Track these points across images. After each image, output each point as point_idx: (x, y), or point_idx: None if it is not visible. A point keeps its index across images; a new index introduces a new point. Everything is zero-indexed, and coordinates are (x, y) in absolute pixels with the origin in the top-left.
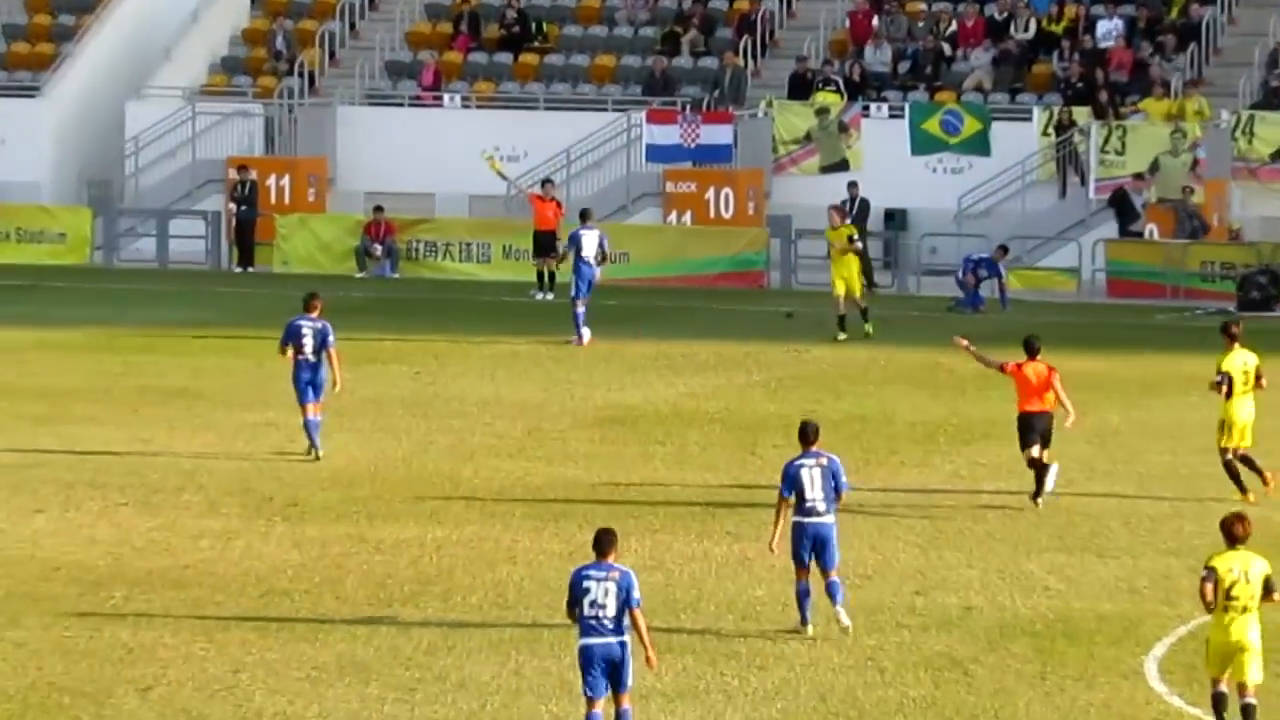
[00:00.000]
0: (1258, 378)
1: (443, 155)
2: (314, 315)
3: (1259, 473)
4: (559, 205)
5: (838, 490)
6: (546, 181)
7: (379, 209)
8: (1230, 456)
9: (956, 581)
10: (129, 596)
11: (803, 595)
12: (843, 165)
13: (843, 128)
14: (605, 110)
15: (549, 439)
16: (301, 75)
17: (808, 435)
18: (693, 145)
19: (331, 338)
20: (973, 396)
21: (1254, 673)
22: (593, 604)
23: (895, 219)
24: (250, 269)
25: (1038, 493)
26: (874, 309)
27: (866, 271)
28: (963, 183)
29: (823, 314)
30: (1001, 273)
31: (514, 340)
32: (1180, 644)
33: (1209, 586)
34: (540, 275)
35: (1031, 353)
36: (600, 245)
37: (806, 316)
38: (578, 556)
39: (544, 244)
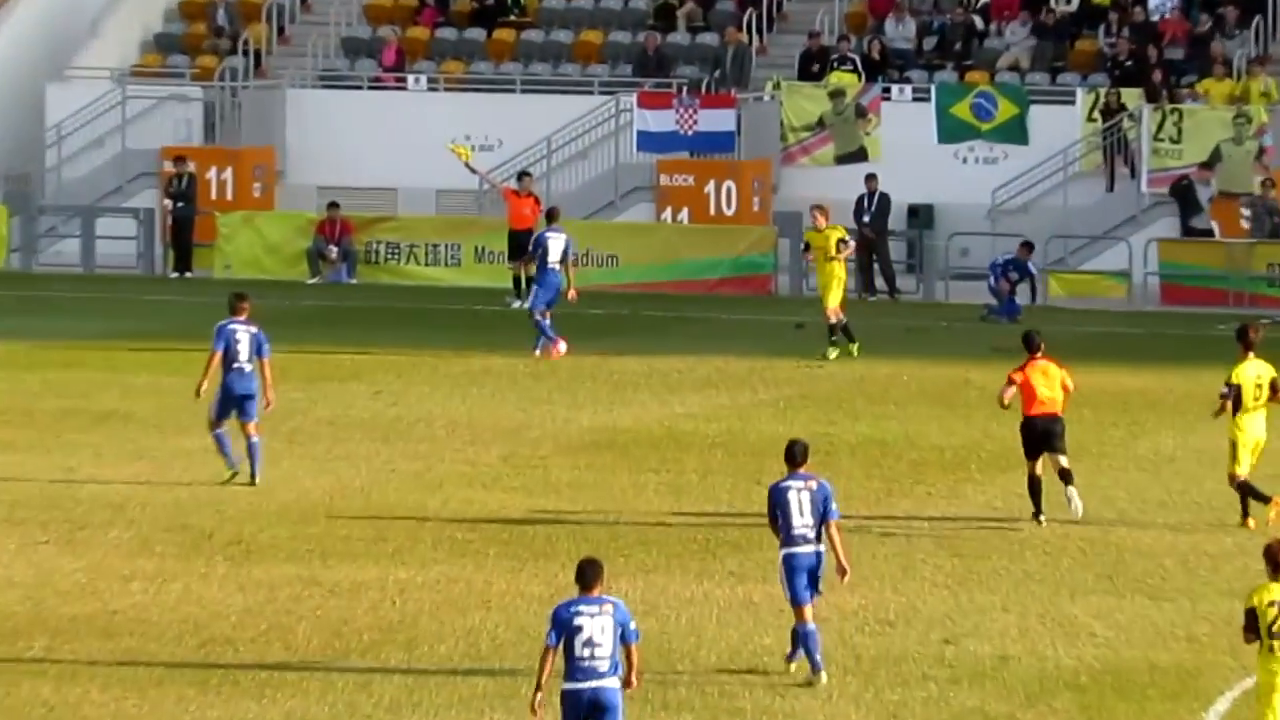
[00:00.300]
0: (1273, 390)
1: (406, 145)
2: (244, 319)
3: (1259, 497)
4: (537, 201)
5: (825, 517)
6: (524, 174)
7: (334, 206)
8: (1240, 481)
9: (990, 628)
10: (51, 647)
11: (807, 639)
12: (860, 155)
13: (860, 112)
14: (591, 93)
15: (528, 466)
16: (246, 54)
17: (795, 455)
18: (690, 133)
19: (267, 347)
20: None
21: None
22: (586, 643)
23: (920, 216)
24: (188, 274)
25: (1037, 511)
26: (896, 319)
27: (888, 277)
28: (997, 175)
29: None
30: (1033, 272)
31: (488, 354)
32: (1244, 699)
33: (1249, 634)
34: (517, 280)
35: (1033, 349)
36: (566, 251)
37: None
38: (560, 600)
39: (520, 245)
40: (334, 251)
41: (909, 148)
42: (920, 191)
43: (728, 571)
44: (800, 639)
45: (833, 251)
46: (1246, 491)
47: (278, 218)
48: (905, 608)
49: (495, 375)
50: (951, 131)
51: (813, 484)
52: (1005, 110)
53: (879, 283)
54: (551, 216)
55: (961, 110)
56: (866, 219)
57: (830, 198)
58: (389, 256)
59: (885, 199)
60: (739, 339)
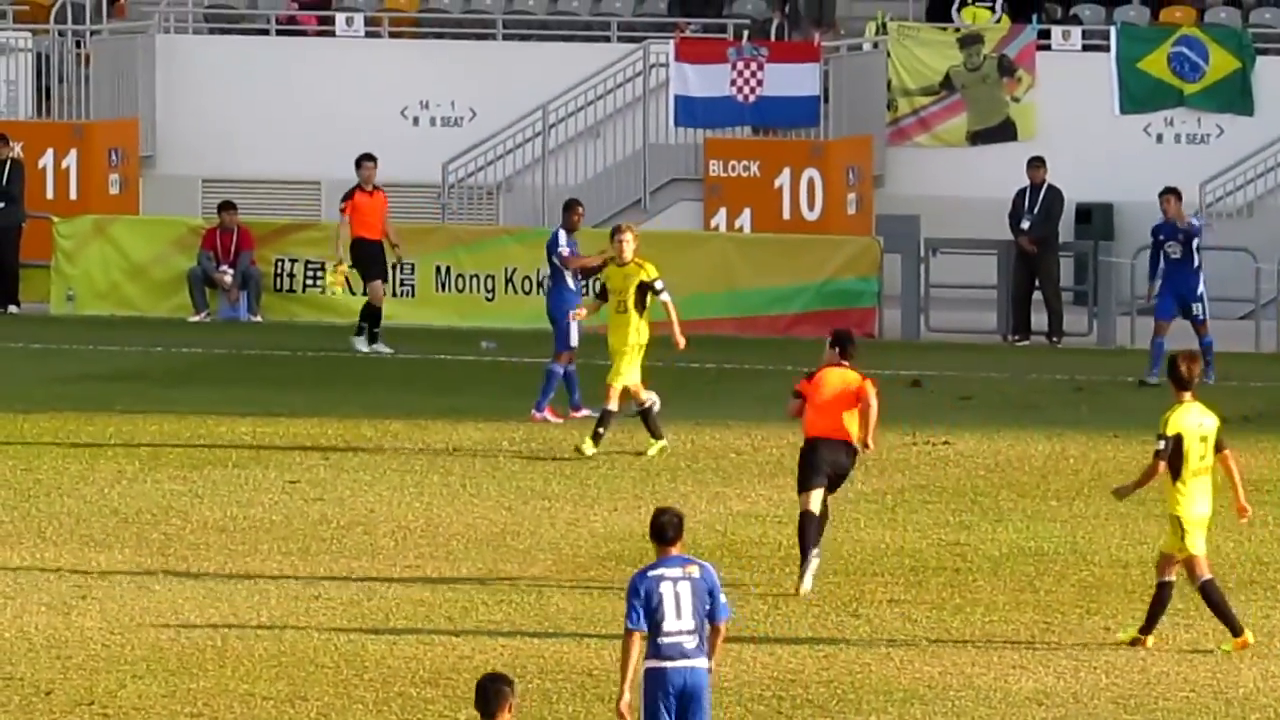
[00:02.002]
0: (1218, 448)
1: (334, 117)
2: None
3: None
4: (385, 196)
5: (713, 618)
6: (366, 158)
7: (227, 208)
8: (1166, 576)
9: None
10: None
11: None
12: (1006, 131)
13: (1006, 68)
14: (607, 40)
15: (515, 591)
16: None
17: (666, 531)
18: (753, 99)
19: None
20: (1225, 517)
21: None
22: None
23: (1093, 221)
24: (11, 309)
25: (804, 566)
26: (1060, 372)
27: (1053, 311)
28: (1208, 159)
29: (971, 381)
30: (1198, 230)
31: (457, 423)
32: None
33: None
34: (373, 315)
35: (843, 352)
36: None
37: (946, 384)
38: None
39: (372, 258)
40: (228, 275)
41: (1077, 120)
42: (1094, 185)
43: None
44: None
45: (630, 300)
46: (1210, 599)
47: (144, 225)
48: None
49: (467, 457)
50: (1140, 96)
51: (694, 570)
52: (1220, 64)
53: (1037, 318)
54: (572, 211)
55: (1156, 65)
56: (1027, 225)
57: (963, 195)
58: (309, 282)
59: (1056, 196)
60: None
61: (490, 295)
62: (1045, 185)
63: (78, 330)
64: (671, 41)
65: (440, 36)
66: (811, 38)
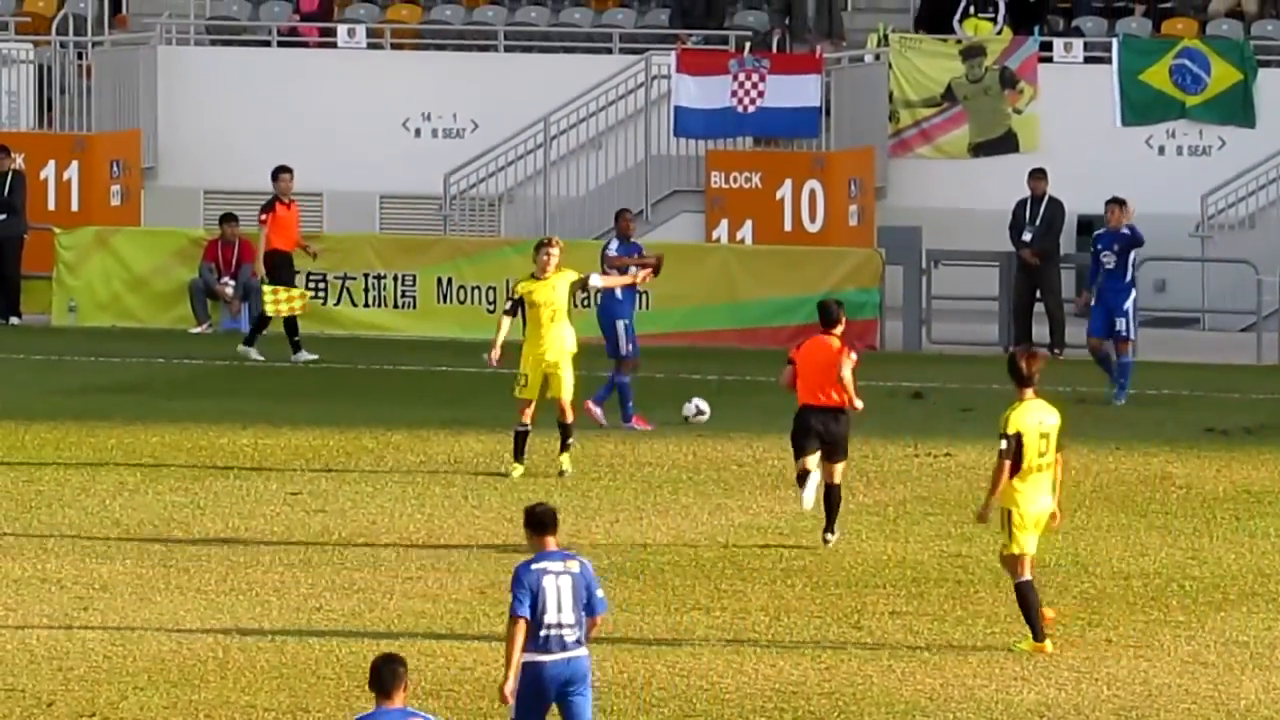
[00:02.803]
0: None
1: (336, 129)
2: None
3: (1033, 621)
4: (298, 207)
5: (591, 611)
6: (282, 170)
7: (229, 220)
8: (1011, 570)
9: None
10: None
11: None
12: (1008, 143)
13: (1008, 80)
14: (609, 52)
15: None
16: None
17: (545, 523)
18: (754, 109)
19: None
20: (1227, 528)
21: None
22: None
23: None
24: (14, 320)
25: (828, 526)
26: (1062, 385)
27: (1055, 322)
28: (1210, 171)
29: (973, 393)
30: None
31: (459, 435)
32: None
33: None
34: (291, 325)
35: (829, 322)
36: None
37: (948, 396)
38: None
39: (286, 267)
40: (229, 287)
41: (1079, 132)
42: (1095, 197)
43: None
44: None
45: (564, 307)
46: (1023, 600)
47: (145, 236)
48: None
49: (469, 468)
50: (1142, 108)
51: (573, 565)
52: (1222, 76)
53: (1038, 330)
54: (624, 221)
55: (1158, 77)
56: (1029, 236)
57: (965, 207)
58: (311, 293)
59: (1057, 208)
60: None
61: (492, 307)
62: (1046, 197)
63: (79, 341)
64: (673, 53)
65: (442, 48)
66: (814, 49)
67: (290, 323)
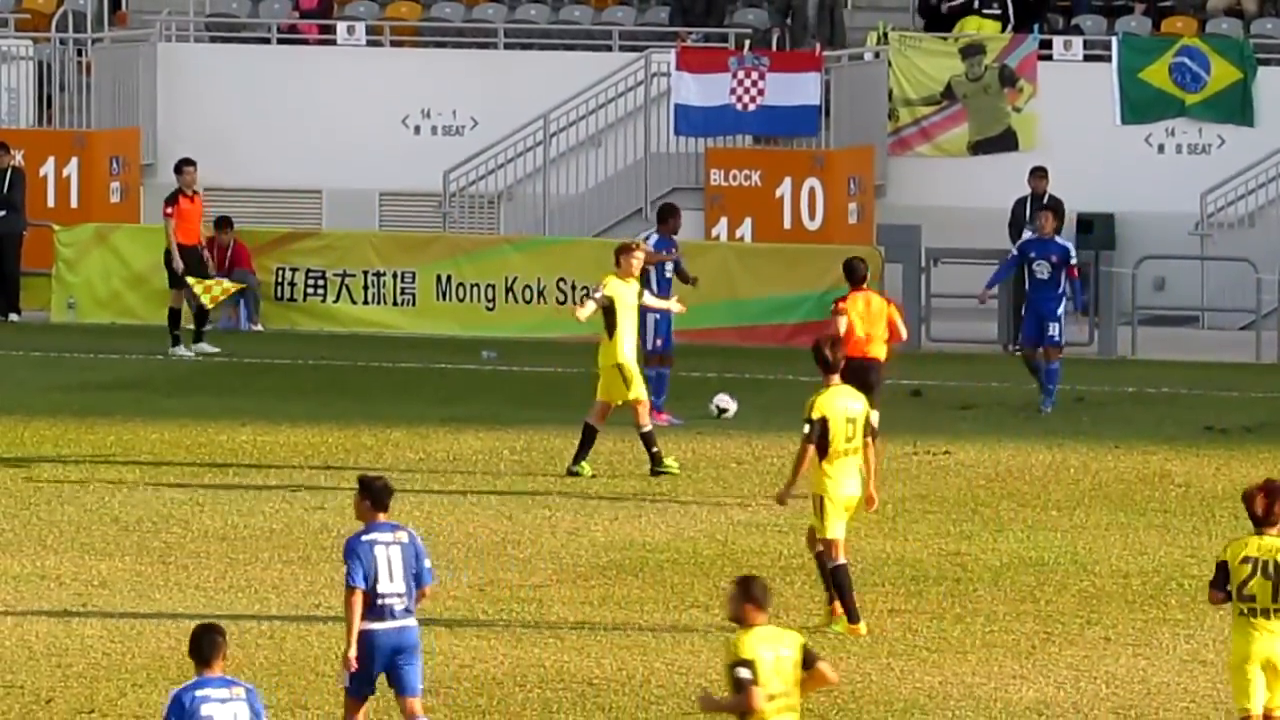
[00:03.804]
0: (870, 432)
1: (335, 126)
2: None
3: (846, 602)
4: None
5: (420, 581)
6: (186, 163)
7: (224, 224)
8: (828, 555)
9: None
10: None
11: None
12: (1007, 141)
13: (1008, 78)
14: (609, 50)
15: (515, 600)
16: None
17: (380, 496)
18: (754, 107)
19: (428, 564)
20: (1226, 527)
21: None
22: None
23: (1095, 232)
24: (13, 317)
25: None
26: (1061, 383)
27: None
28: (1209, 170)
29: (972, 391)
30: (1072, 256)
31: (458, 432)
32: None
33: (1215, 591)
34: (200, 315)
35: (856, 280)
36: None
37: (947, 394)
38: None
39: (200, 262)
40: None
41: (1078, 130)
42: (1095, 195)
43: None
44: None
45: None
46: (838, 583)
47: (145, 234)
48: None
49: (468, 466)
50: (1142, 106)
51: (403, 535)
52: (1222, 75)
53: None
54: (667, 217)
55: (1157, 75)
56: (1030, 234)
57: (965, 205)
58: (310, 291)
59: (1058, 206)
60: None
61: (491, 305)
62: (1047, 196)
63: (78, 338)
64: (673, 51)
65: (442, 45)
66: (814, 48)
67: (189, 315)
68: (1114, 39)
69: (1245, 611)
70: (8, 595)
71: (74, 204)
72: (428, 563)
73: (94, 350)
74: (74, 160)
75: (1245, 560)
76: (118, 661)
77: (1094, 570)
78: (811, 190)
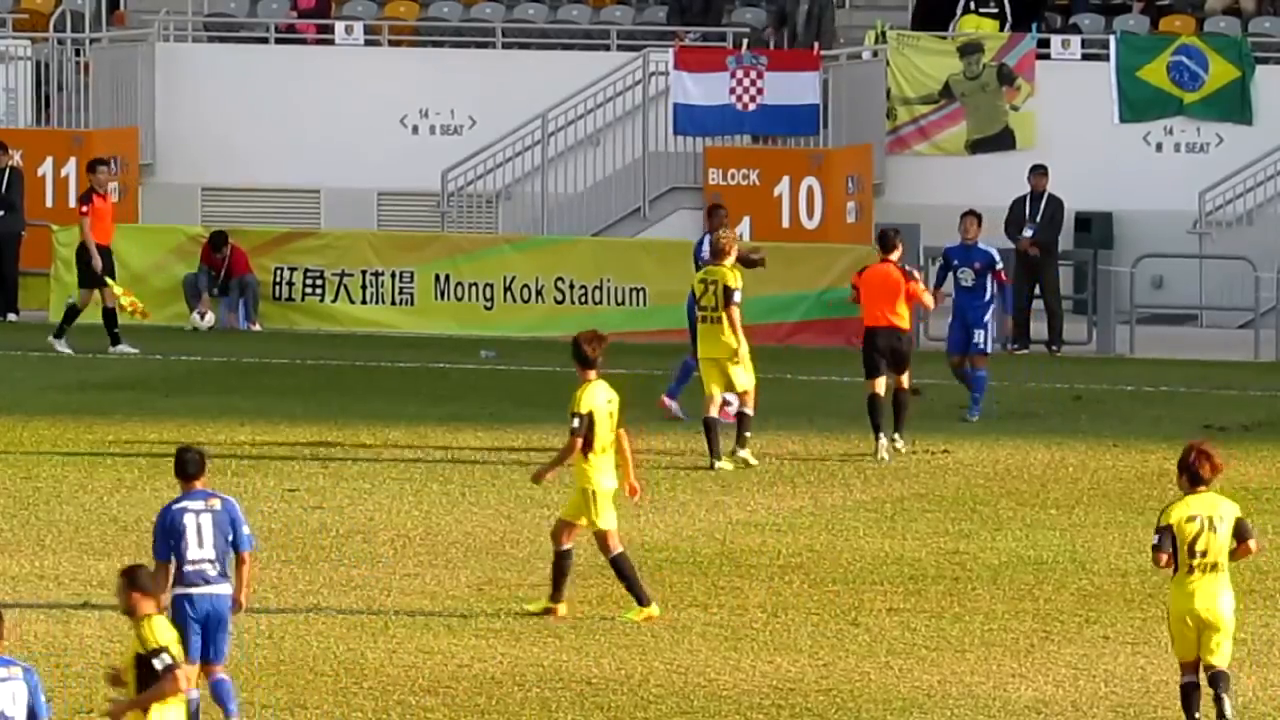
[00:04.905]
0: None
1: (334, 126)
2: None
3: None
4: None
5: (237, 547)
6: (100, 163)
7: (219, 239)
8: (565, 544)
9: None
10: None
11: (221, 694)
12: (1005, 140)
13: (1006, 77)
14: (607, 49)
15: (514, 600)
16: None
17: (189, 467)
18: (753, 107)
19: (246, 530)
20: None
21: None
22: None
23: (1093, 231)
24: (11, 317)
25: (877, 441)
26: (1059, 381)
27: (1054, 317)
28: (1207, 168)
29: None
30: (997, 262)
31: (456, 431)
32: None
33: (1159, 553)
34: (109, 315)
35: (888, 248)
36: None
37: (945, 394)
38: None
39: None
40: (206, 315)
41: (1077, 129)
42: (1093, 194)
43: None
44: (218, 697)
45: (716, 299)
46: (621, 571)
47: (143, 233)
48: None
49: (466, 465)
50: (1140, 105)
51: (215, 503)
52: (1220, 73)
53: (1036, 327)
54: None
55: (1155, 74)
56: (1030, 233)
57: (964, 203)
58: (308, 290)
59: (1057, 205)
60: (825, 412)
61: (489, 304)
62: (1046, 194)
63: (76, 338)
64: (671, 50)
65: (440, 45)
66: (813, 47)
67: (75, 313)
68: (1112, 38)
69: (1194, 568)
70: (6, 595)
71: (72, 204)
72: (246, 530)
73: (92, 350)
74: (72, 160)
75: (1191, 519)
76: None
77: (1092, 569)
78: (810, 189)
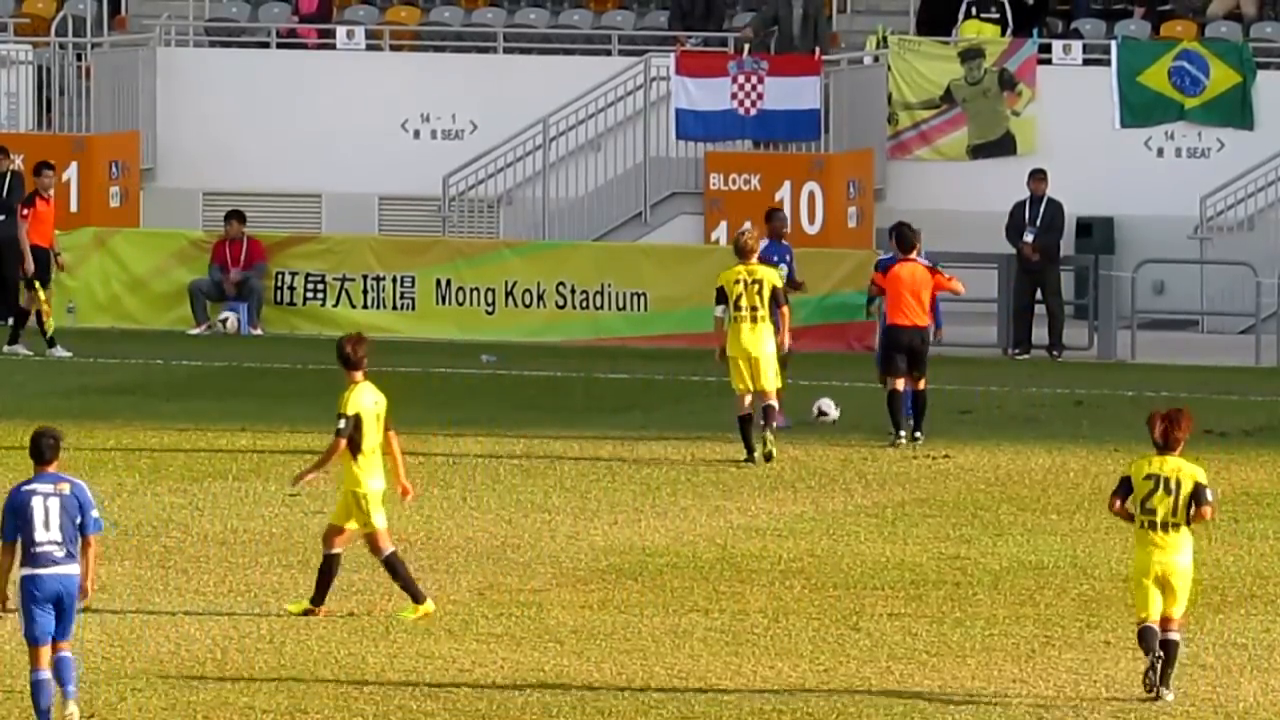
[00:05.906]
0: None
1: (335, 130)
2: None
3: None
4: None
5: (84, 530)
6: (44, 167)
7: (235, 217)
8: (334, 549)
9: None
10: None
11: (64, 673)
12: (1006, 145)
13: (1007, 81)
14: (608, 54)
15: (514, 605)
16: None
17: (43, 451)
18: (754, 111)
19: (94, 514)
20: (1225, 530)
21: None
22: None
23: (1094, 235)
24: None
25: (917, 426)
26: (1061, 387)
27: (1056, 320)
28: (1208, 173)
29: (971, 395)
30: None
31: (457, 436)
32: None
33: (1116, 498)
34: (41, 318)
35: (907, 246)
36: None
37: (946, 398)
38: None
39: (38, 265)
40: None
41: (1078, 134)
42: (1094, 199)
43: None
44: (34, 691)
45: (759, 302)
46: (394, 570)
47: (144, 238)
48: None
49: (468, 469)
50: (1141, 110)
51: (65, 487)
52: (1221, 78)
53: (1037, 332)
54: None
55: (1156, 78)
56: (1030, 237)
57: (964, 209)
58: (310, 295)
59: (1057, 209)
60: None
61: (490, 309)
62: (1046, 198)
63: (77, 343)
64: (672, 55)
65: (441, 50)
66: (814, 52)
67: (26, 316)
68: (1113, 42)
69: (1145, 525)
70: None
71: (73, 208)
72: (95, 513)
73: (93, 355)
74: (73, 164)
75: (1149, 477)
76: (117, 666)
77: (1094, 574)
78: (811, 194)
